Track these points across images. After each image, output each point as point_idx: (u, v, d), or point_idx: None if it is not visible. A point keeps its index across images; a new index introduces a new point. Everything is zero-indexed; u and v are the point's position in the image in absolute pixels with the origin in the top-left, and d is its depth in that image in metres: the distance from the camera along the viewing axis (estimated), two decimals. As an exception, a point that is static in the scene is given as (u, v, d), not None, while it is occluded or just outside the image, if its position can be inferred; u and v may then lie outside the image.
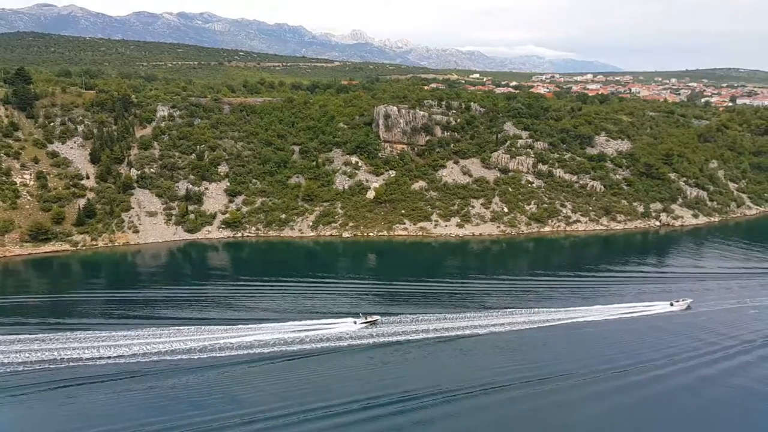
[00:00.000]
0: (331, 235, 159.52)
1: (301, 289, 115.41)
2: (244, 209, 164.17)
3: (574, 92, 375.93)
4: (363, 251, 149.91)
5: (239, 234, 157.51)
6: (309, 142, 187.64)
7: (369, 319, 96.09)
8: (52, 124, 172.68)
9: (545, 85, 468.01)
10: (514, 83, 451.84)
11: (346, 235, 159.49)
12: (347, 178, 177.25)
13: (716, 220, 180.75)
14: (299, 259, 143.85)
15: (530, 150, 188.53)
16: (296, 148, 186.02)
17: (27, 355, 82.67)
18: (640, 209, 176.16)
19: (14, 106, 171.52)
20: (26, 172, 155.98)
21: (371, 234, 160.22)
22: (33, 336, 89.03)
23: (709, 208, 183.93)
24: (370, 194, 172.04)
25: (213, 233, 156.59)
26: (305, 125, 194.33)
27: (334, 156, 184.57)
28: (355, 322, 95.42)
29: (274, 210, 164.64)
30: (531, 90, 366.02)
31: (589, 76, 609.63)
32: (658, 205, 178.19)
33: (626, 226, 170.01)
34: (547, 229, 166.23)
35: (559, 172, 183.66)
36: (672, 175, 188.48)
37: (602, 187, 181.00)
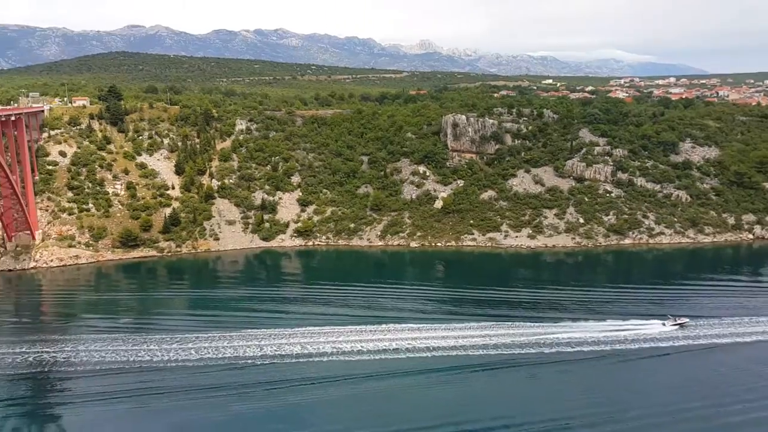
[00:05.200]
0: (398, 244, 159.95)
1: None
2: (315, 218, 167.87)
3: (655, 96, 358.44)
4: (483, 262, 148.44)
5: (310, 242, 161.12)
6: (377, 152, 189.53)
7: (678, 321, 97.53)
8: (140, 137, 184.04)
9: (624, 89, 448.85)
10: (590, 88, 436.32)
11: (413, 245, 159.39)
12: (415, 188, 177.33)
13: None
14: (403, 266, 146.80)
15: (608, 157, 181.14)
16: (365, 159, 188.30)
17: (114, 355, 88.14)
18: (731, 221, 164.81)
19: (107, 121, 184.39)
20: (118, 182, 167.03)
21: (439, 244, 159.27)
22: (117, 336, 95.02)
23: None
24: (438, 204, 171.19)
25: (286, 241, 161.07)
26: (374, 136, 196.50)
27: (402, 166, 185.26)
28: (663, 324, 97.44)
29: (343, 219, 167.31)
30: (608, 95, 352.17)
31: (672, 80, 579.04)
32: (751, 217, 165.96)
33: (715, 239, 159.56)
34: (627, 241, 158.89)
35: (640, 181, 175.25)
36: (767, 184, 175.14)
37: (688, 197, 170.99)
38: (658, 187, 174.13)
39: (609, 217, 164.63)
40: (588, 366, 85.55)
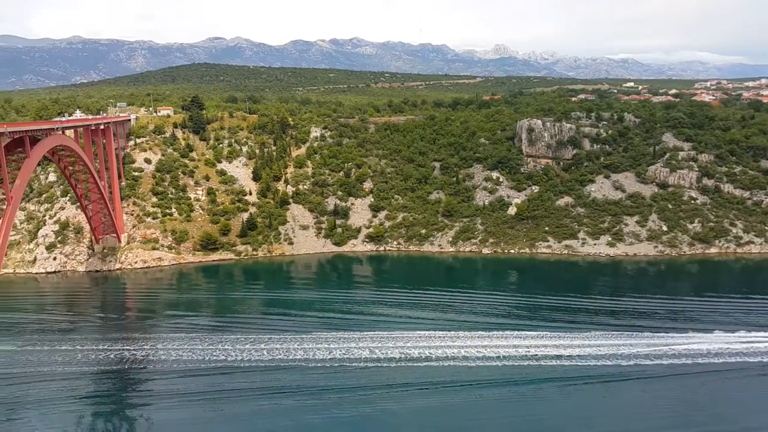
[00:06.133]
0: (470, 251, 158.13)
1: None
2: (387, 224, 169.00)
3: (744, 99, 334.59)
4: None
5: (381, 248, 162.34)
6: (449, 158, 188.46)
7: None
8: (220, 145, 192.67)
9: (710, 92, 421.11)
10: (673, 91, 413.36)
11: (485, 251, 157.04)
12: (487, 194, 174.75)
13: None
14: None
15: (693, 163, 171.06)
16: (437, 165, 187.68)
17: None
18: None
19: (190, 130, 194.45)
20: (199, 188, 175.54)
21: (512, 251, 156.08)
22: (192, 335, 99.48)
23: None
24: (512, 210, 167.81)
25: (357, 246, 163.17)
26: (446, 141, 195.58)
27: (475, 172, 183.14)
28: None
29: (414, 225, 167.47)
30: (693, 98, 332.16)
31: (763, 81, 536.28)
32: None
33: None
34: (713, 250, 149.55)
35: (727, 188, 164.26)
36: None
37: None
38: (747, 193, 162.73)
39: (694, 224, 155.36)
40: (672, 382, 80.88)
